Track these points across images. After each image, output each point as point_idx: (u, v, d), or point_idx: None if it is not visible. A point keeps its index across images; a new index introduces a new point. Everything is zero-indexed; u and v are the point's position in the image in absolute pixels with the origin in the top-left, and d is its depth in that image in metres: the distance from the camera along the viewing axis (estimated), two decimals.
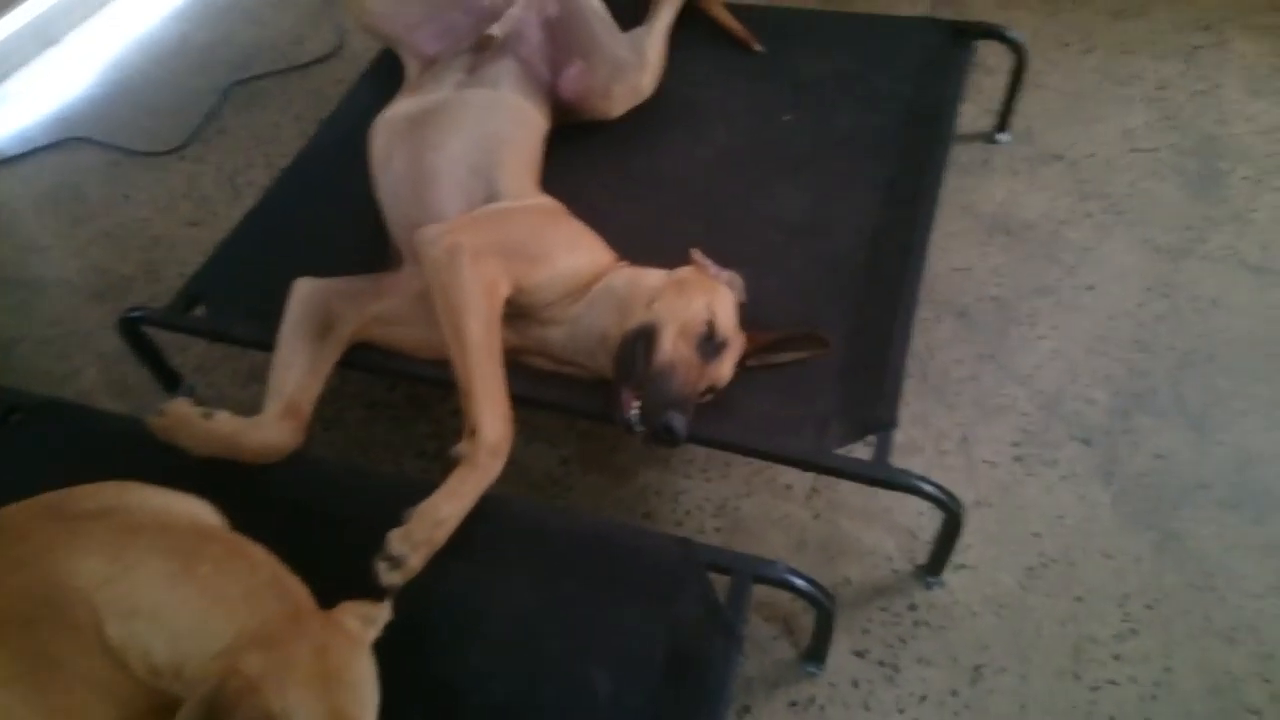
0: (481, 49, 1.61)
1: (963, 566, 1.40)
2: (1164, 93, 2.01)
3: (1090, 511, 1.45)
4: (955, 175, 1.88)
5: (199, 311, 1.42)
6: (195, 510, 1.06)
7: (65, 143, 2.11)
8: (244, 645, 0.89)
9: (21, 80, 2.33)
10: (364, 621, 1.00)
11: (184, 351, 1.63)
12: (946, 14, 2.18)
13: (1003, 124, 1.96)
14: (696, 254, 1.38)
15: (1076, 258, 1.76)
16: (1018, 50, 1.80)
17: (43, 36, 2.39)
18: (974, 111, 2.01)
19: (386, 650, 0.97)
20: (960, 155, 1.93)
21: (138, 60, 2.33)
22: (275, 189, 1.60)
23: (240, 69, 2.25)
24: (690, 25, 1.83)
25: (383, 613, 1.02)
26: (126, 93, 2.24)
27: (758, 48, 1.82)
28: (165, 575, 0.93)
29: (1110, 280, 1.72)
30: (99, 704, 0.90)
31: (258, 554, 0.99)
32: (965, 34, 1.78)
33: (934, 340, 1.67)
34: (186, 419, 1.16)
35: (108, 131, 2.13)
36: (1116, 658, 1.30)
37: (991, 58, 2.00)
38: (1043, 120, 2.00)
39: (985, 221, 1.84)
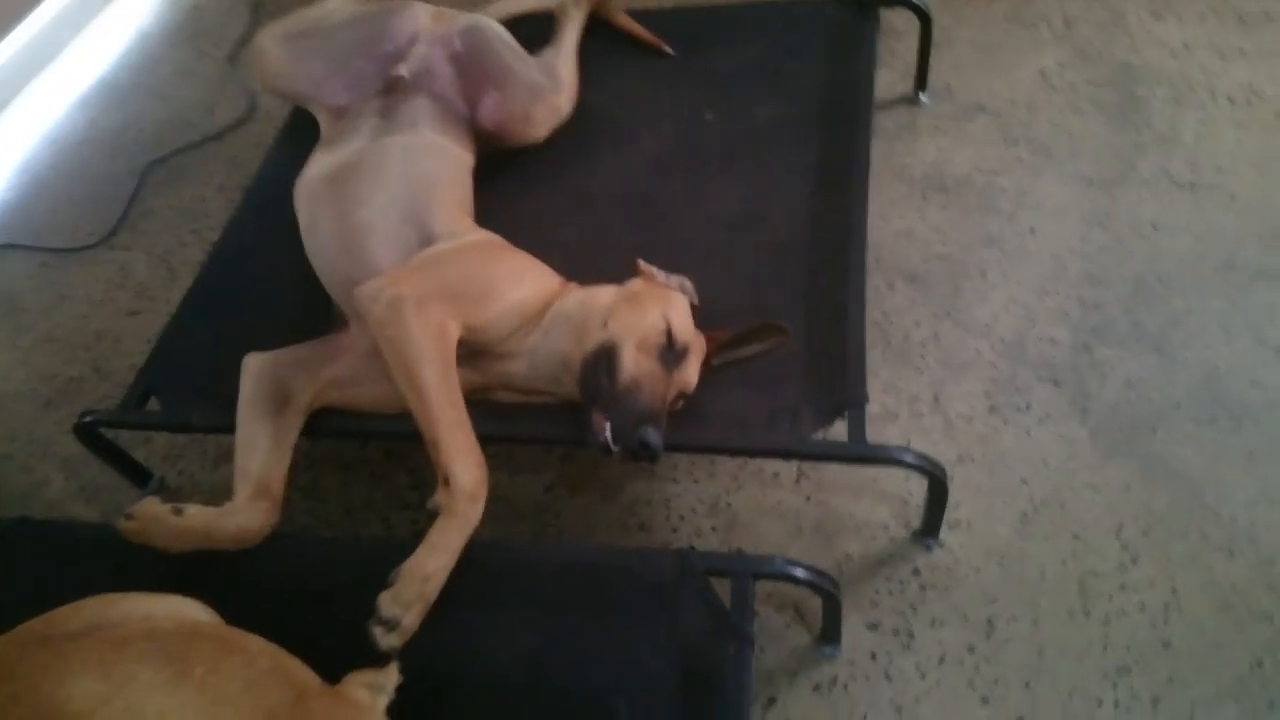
0: (392, 91, 1.59)
1: (958, 524, 1.41)
2: (1072, 30, 2.05)
3: (1071, 449, 1.47)
4: (883, 142, 1.90)
5: (152, 405, 1.38)
6: (183, 610, 1.03)
7: None
8: None
9: None
10: (373, 690, 0.98)
11: (148, 443, 1.59)
12: None
13: (921, 85, 1.98)
14: (643, 264, 1.37)
15: (1014, 204, 1.79)
16: (921, 12, 1.83)
17: None
18: (891, 77, 2.03)
19: (402, 714, 0.96)
20: (885, 122, 1.95)
21: (48, 156, 2.27)
22: (209, 266, 1.57)
23: (155, 148, 2.20)
24: (598, 38, 1.83)
25: (390, 677, 1.00)
26: (42, 190, 2.18)
27: (668, 50, 1.83)
28: (161, 684, 0.90)
29: (1050, 220, 1.75)
30: None
31: (253, 644, 0.96)
32: (868, 5, 1.80)
33: (890, 307, 1.68)
34: (157, 518, 1.13)
35: (31, 234, 2.07)
36: (1122, 588, 1.32)
37: (900, 22, 2.02)
38: (959, 75, 2.03)
39: (919, 183, 1.86)
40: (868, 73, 1.72)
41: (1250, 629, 1.26)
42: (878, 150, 1.86)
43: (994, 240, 1.75)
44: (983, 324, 1.64)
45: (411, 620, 1.05)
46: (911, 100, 2.00)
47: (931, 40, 1.90)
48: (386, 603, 1.05)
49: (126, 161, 2.17)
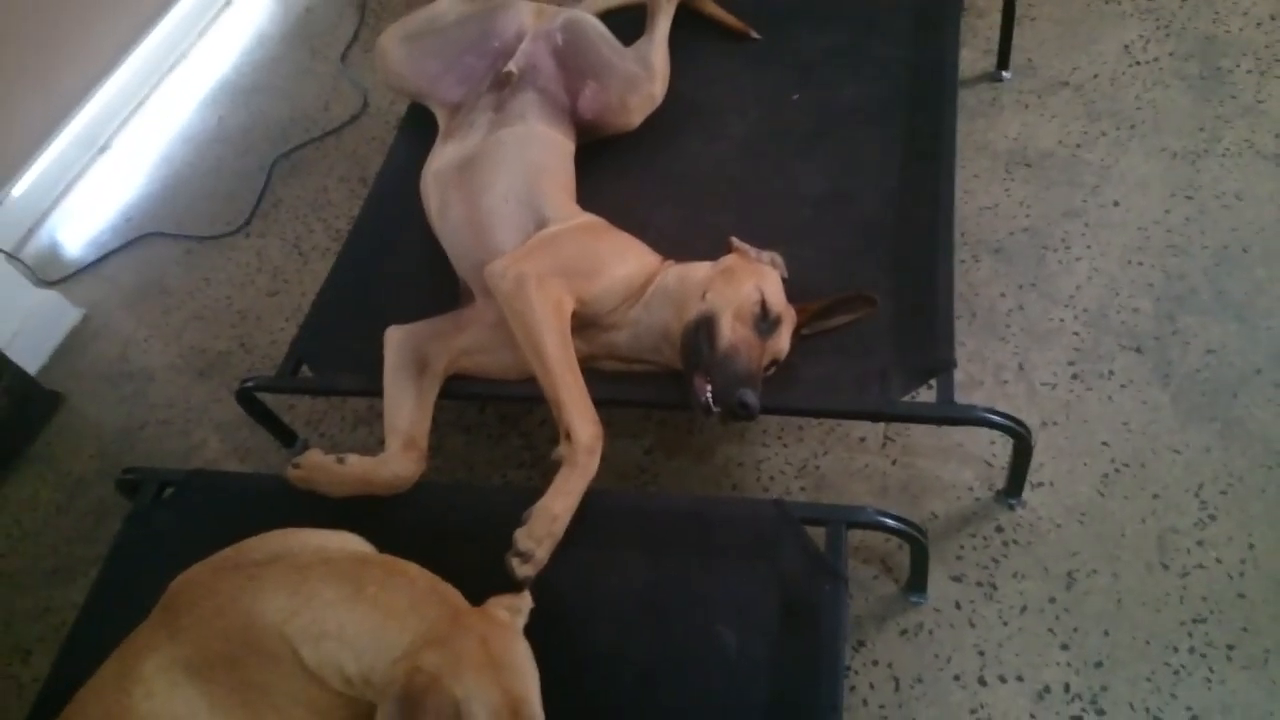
0: (502, 87, 1.73)
1: (1040, 485, 1.49)
2: (1154, 3, 2.06)
3: (1153, 414, 1.53)
4: (966, 119, 1.96)
5: (305, 372, 1.56)
6: (349, 543, 1.19)
7: (138, 241, 2.29)
8: (419, 647, 1.01)
9: (83, 190, 2.51)
10: (511, 612, 1.12)
11: (291, 410, 1.78)
12: None
13: (1004, 62, 2.03)
14: (736, 241, 1.48)
15: (1098, 177, 1.83)
16: None
17: (93, 144, 2.58)
18: (974, 55, 2.08)
19: (534, 635, 1.10)
20: (968, 99, 2.00)
21: (183, 152, 2.50)
22: (346, 249, 1.74)
23: (279, 143, 2.40)
24: (687, 27, 1.93)
25: (525, 602, 1.14)
26: (180, 184, 2.42)
27: (754, 35, 1.92)
28: (341, 600, 1.06)
29: (1134, 193, 1.79)
30: (308, 718, 1.05)
31: (412, 569, 1.12)
32: None
33: (975, 280, 1.75)
34: (322, 466, 1.30)
35: (174, 223, 2.30)
36: (1200, 544, 1.38)
37: (982, 0, 2.07)
38: (1041, 51, 2.06)
39: (1004, 158, 1.91)
40: (952, 51, 1.78)
41: None
42: (961, 127, 1.91)
43: (1078, 213, 1.79)
44: (1067, 294, 1.70)
45: (543, 554, 1.20)
46: (994, 77, 2.05)
47: (1014, 17, 1.94)
48: (521, 538, 1.20)
49: (255, 157, 2.38)
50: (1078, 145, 1.89)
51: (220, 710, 1.04)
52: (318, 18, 2.78)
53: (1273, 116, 1.81)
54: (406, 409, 1.38)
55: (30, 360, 2.02)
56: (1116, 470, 1.48)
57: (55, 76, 2.47)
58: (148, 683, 1.06)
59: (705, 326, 1.34)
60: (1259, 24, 1.96)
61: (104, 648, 1.14)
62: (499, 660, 1.01)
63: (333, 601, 1.06)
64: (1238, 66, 1.91)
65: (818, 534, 1.23)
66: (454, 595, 1.11)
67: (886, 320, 1.41)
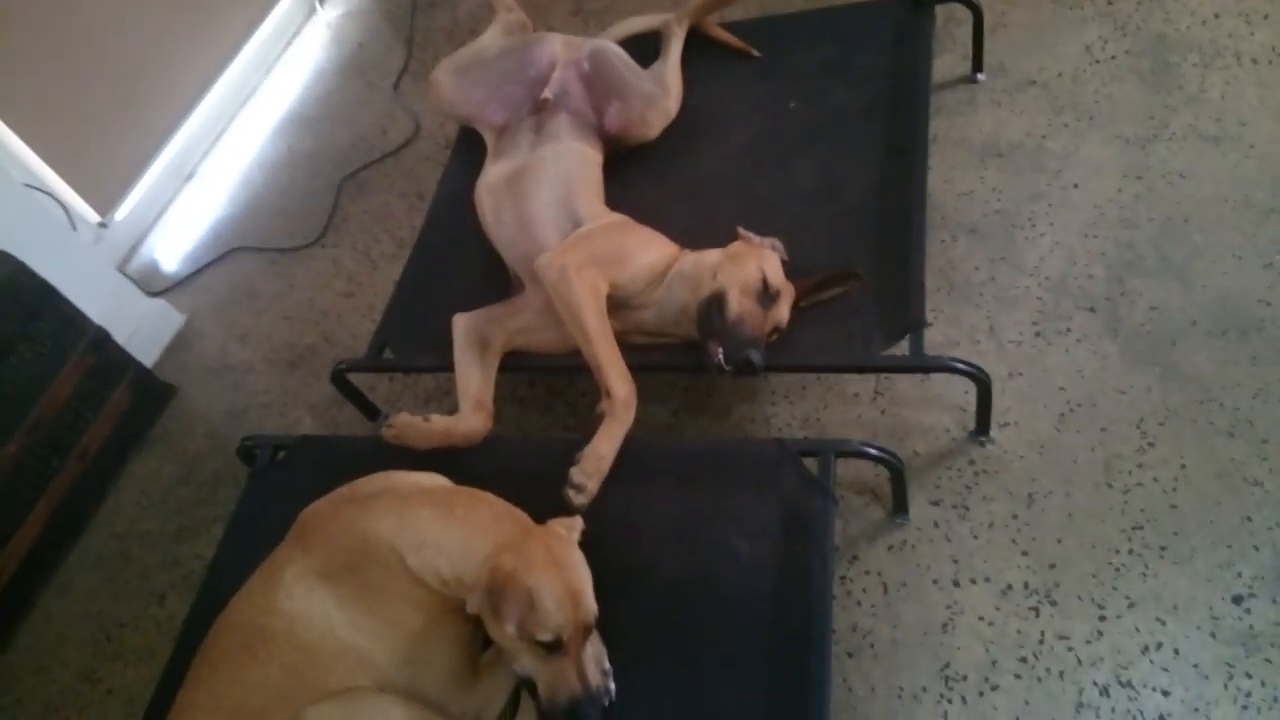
0: (540, 110, 2.04)
1: (1006, 425, 1.75)
2: (1113, 7, 2.31)
3: (1103, 362, 1.78)
4: (946, 117, 2.23)
5: (387, 354, 1.88)
6: (436, 480, 1.50)
7: (227, 255, 2.64)
8: (497, 552, 1.30)
9: (174, 213, 2.88)
10: (568, 529, 1.41)
11: (372, 390, 2.10)
12: None
13: (978, 65, 2.29)
14: (741, 230, 1.77)
15: (1060, 163, 2.09)
16: (972, 5, 2.14)
17: (181, 173, 2.95)
18: (953, 60, 2.34)
19: (585, 550, 1.37)
20: (947, 99, 2.27)
21: (260, 175, 2.86)
22: (415, 252, 2.07)
23: (344, 166, 2.75)
24: (697, 49, 2.22)
25: (578, 524, 1.43)
26: (260, 204, 2.77)
27: (755, 54, 2.20)
28: (436, 519, 1.36)
29: (1091, 176, 2.04)
30: (413, 611, 1.34)
31: (489, 495, 1.42)
32: (924, 2, 2.12)
33: (953, 256, 2.02)
34: (411, 424, 1.62)
35: (257, 238, 2.65)
36: (1140, 466, 1.64)
37: (960, 12, 2.32)
38: (1012, 54, 2.32)
39: (978, 150, 2.17)
40: (925, 60, 2.05)
41: (1244, 492, 1.56)
42: (941, 124, 2.20)
43: (1042, 195, 2.05)
44: (1032, 265, 1.96)
45: (593, 486, 1.50)
46: (970, 79, 2.31)
47: (984, 26, 2.20)
48: (575, 474, 1.50)
49: (324, 178, 2.73)
50: (1043, 136, 2.15)
51: (345, 606, 1.34)
52: (370, 52, 3.13)
53: (1214, 104, 2.06)
54: (474, 378, 1.70)
55: (144, 358, 2.37)
56: (1071, 410, 1.74)
57: (147, 115, 2.85)
58: (288, 586, 1.35)
59: (716, 301, 1.63)
60: (1204, 22, 2.20)
61: (238, 576, 1.44)
62: (561, 561, 1.30)
63: (430, 519, 1.36)
64: (1185, 60, 2.15)
65: (812, 465, 1.51)
66: (522, 515, 1.41)
67: (870, 290, 1.69)
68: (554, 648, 1.24)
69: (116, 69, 2.71)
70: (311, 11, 3.36)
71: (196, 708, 1.33)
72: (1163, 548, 1.55)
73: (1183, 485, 1.60)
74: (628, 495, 1.54)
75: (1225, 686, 1.41)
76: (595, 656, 1.32)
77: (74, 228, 2.52)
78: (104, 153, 2.71)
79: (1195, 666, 1.43)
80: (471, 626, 1.35)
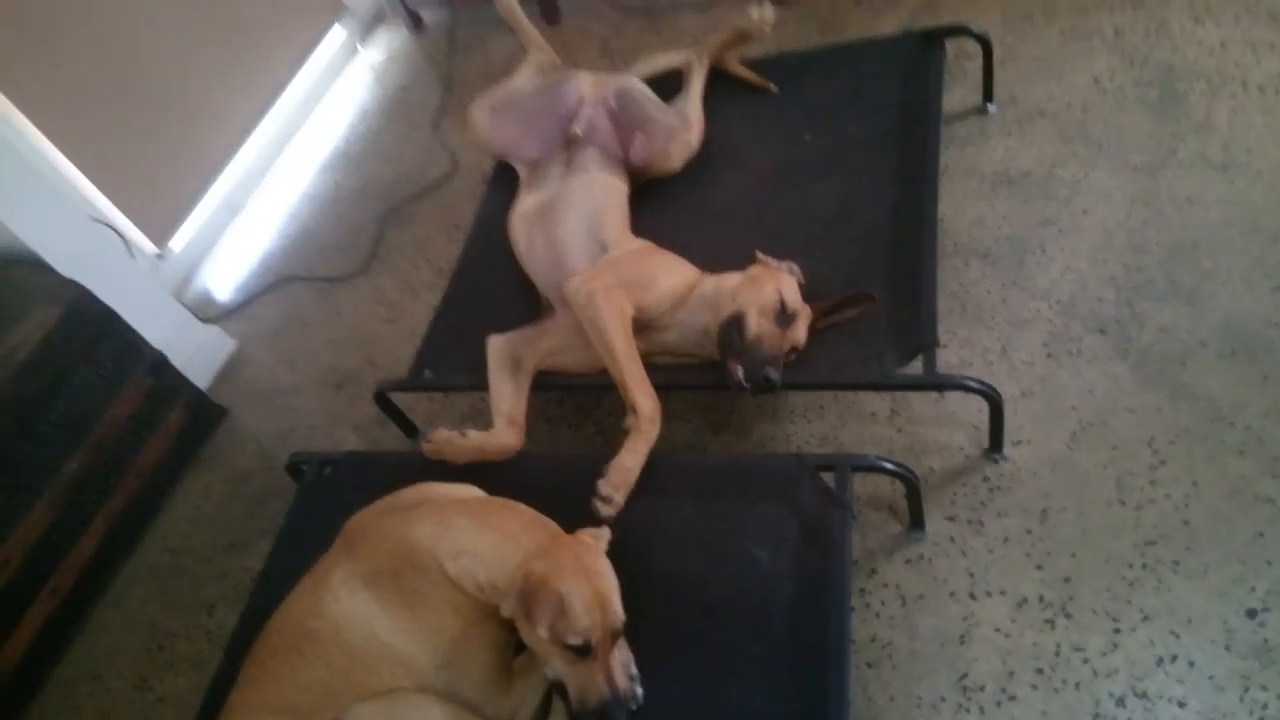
0: (570, 145, 2.16)
1: (1020, 443, 1.81)
2: (1121, 38, 2.39)
3: (1114, 383, 1.83)
4: (957, 147, 2.31)
5: (426, 375, 1.99)
6: (472, 491, 1.60)
7: (278, 284, 2.79)
8: (530, 559, 1.37)
9: (226, 245, 3.05)
10: (596, 538, 1.49)
11: (412, 410, 2.21)
12: (925, 19, 2.62)
13: (988, 96, 2.37)
14: (759, 254, 1.86)
15: (1070, 190, 2.16)
16: (982, 40, 2.23)
17: (233, 207, 3.12)
18: (964, 92, 2.43)
19: (612, 559, 1.44)
20: (959, 130, 2.35)
21: (308, 210, 3.02)
22: (453, 280, 2.19)
23: (386, 200, 2.89)
24: (717, 85, 2.33)
25: (605, 534, 1.50)
26: (308, 237, 2.92)
27: (773, 89, 2.31)
28: (472, 527, 1.45)
29: (1100, 202, 2.11)
30: (451, 615, 1.42)
31: (521, 505, 1.50)
32: (935, 37, 2.22)
33: (966, 280, 2.09)
34: (449, 439, 1.72)
35: (305, 268, 2.80)
36: (1152, 483, 1.68)
37: (972, 46, 2.42)
38: (1022, 86, 2.40)
39: (990, 179, 2.25)
40: (936, 92, 2.14)
41: (1255, 509, 1.60)
42: (953, 154, 2.28)
43: (1052, 221, 2.12)
44: (1043, 289, 2.02)
45: (619, 498, 1.58)
46: (981, 111, 2.39)
47: (994, 59, 2.29)
48: (602, 485, 1.58)
49: (369, 212, 2.88)
50: (1053, 165, 2.22)
51: (388, 610, 1.42)
52: (411, 94, 3.30)
53: (1221, 132, 2.12)
54: (507, 395, 1.79)
55: (199, 382, 2.50)
56: (1083, 428, 1.79)
57: (199, 153, 3.02)
58: (335, 590, 1.44)
59: (736, 322, 1.71)
60: (1211, 52, 2.27)
61: (286, 585, 1.53)
62: (589, 569, 1.37)
63: (466, 528, 1.45)
64: (1192, 90, 2.22)
65: (830, 479, 1.58)
66: (553, 525, 1.49)
67: (884, 312, 1.77)
68: (583, 651, 1.31)
69: (171, 109, 2.90)
70: (353, 52, 3.55)
71: (247, 706, 1.41)
72: (1175, 562, 1.59)
73: (1194, 502, 1.64)
74: (652, 507, 1.61)
75: (1240, 699, 1.44)
76: (623, 662, 1.38)
77: (133, 258, 2.67)
78: (160, 187, 2.89)
79: (1210, 679, 1.46)
80: (506, 632, 1.43)
